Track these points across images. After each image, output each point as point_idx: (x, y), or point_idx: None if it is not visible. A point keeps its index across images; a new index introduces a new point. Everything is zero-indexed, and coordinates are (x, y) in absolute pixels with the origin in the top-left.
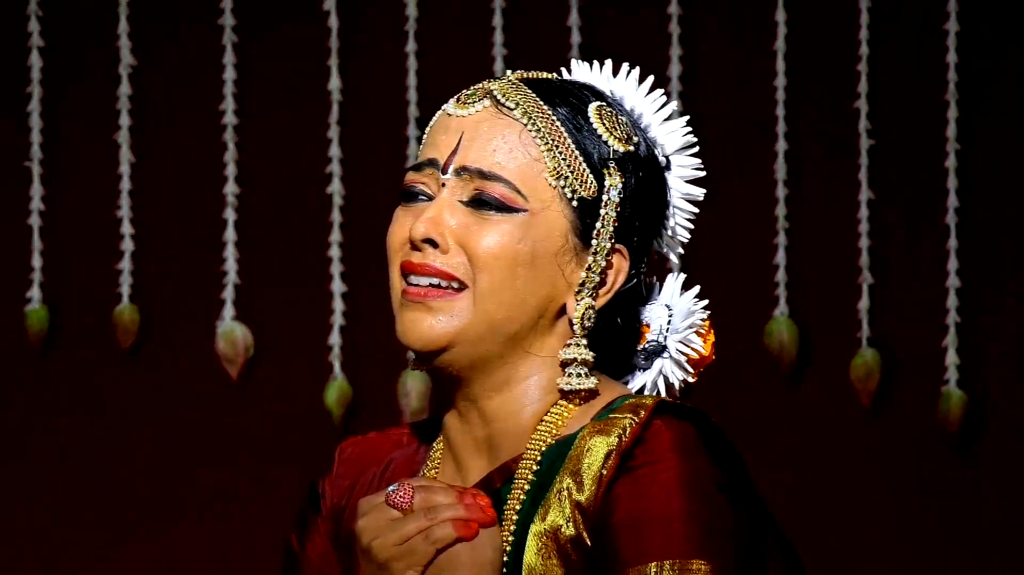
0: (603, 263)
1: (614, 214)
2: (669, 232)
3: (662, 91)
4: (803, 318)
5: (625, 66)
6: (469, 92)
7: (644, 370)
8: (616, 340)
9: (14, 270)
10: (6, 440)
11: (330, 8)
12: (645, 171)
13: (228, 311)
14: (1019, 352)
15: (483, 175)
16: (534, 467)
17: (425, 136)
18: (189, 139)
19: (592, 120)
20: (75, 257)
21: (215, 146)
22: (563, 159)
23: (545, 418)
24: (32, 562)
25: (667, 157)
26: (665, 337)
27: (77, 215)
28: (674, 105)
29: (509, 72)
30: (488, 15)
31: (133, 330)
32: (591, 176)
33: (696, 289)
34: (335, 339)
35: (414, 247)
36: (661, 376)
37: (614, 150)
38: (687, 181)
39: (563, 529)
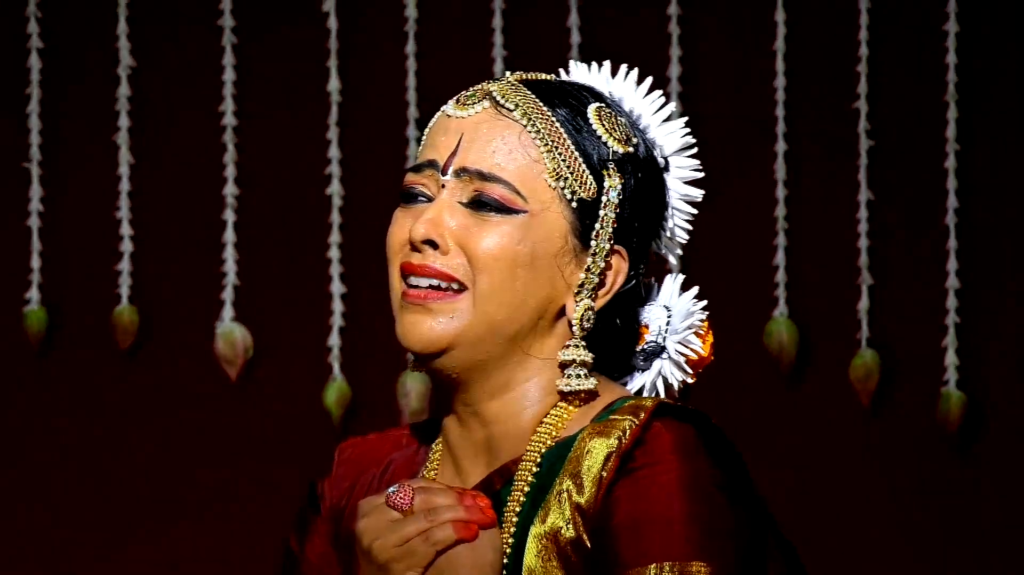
0: (602, 264)
1: (613, 215)
2: (668, 233)
3: (661, 92)
4: (803, 318)
5: (624, 67)
6: (468, 93)
7: (643, 371)
8: (615, 341)
9: (13, 271)
10: (5, 441)
11: (329, 9)
12: (644, 172)
13: (227, 312)
14: (1018, 352)
15: (483, 176)
16: (534, 469)
17: (424, 137)
18: (188, 140)
19: (591, 121)
20: (74, 258)
21: (214, 147)
22: (563, 160)
23: (545, 420)
24: (32, 562)
25: (666, 158)
26: (664, 338)
27: (76, 216)
28: (673, 106)
29: (508, 73)
30: (488, 16)
31: (132, 331)
32: (590, 177)
33: (695, 290)
34: (334, 340)
35: (414, 248)
36: (660, 377)
37: (613, 151)
38: (686, 182)
39: (563, 531)
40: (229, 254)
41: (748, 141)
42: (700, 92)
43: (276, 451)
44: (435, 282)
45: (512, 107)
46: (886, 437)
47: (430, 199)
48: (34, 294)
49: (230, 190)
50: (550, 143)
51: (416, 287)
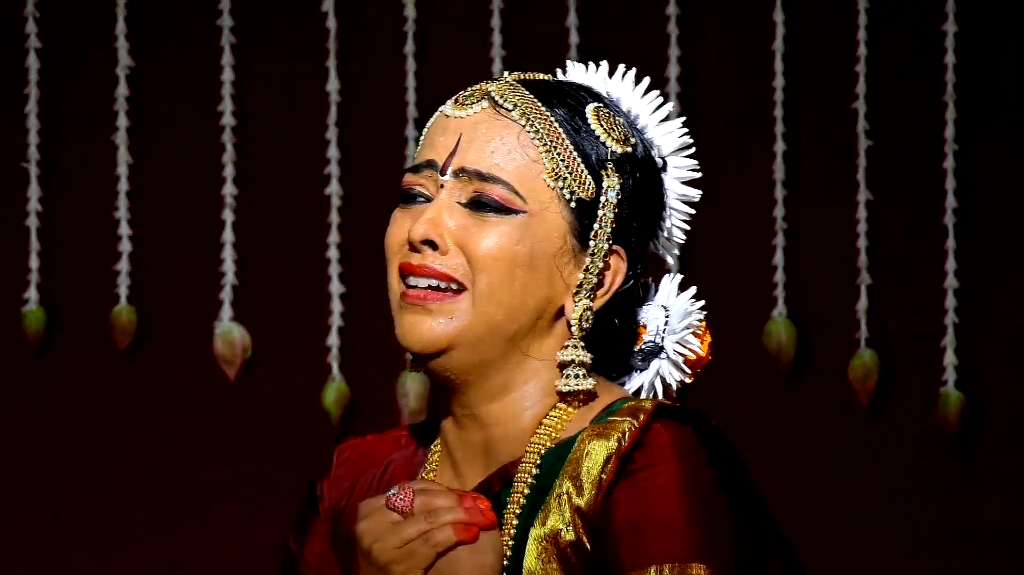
0: (601, 264)
1: (612, 215)
2: (665, 233)
3: (660, 92)
4: (802, 319)
5: (621, 67)
6: (467, 93)
7: (641, 371)
8: (613, 341)
9: (12, 271)
10: (4, 441)
11: (328, 9)
12: (642, 172)
13: (226, 312)
14: (1018, 352)
15: (482, 177)
16: (533, 471)
17: (423, 137)
18: (187, 140)
19: (590, 121)
20: (73, 258)
21: (213, 147)
22: (561, 160)
23: (544, 421)
24: (32, 562)
25: (663, 158)
26: (662, 338)
27: (75, 216)
28: (671, 106)
29: (506, 73)
30: (487, 16)
31: (131, 331)
32: (589, 177)
33: (692, 290)
34: (333, 340)
35: (413, 248)
36: (658, 377)
37: (612, 151)
38: (683, 182)
39: (563, 533)
40: (228, 254)
41: (747, 141)
42: (699, 92)
43: (275, 451)
44: (434, 282)
45: (511, 107)
46: (885, 437)
47: (429, 199)
48: (32, 294)
49: (229, 190)
50: (549, 143)
51: (415, 287)
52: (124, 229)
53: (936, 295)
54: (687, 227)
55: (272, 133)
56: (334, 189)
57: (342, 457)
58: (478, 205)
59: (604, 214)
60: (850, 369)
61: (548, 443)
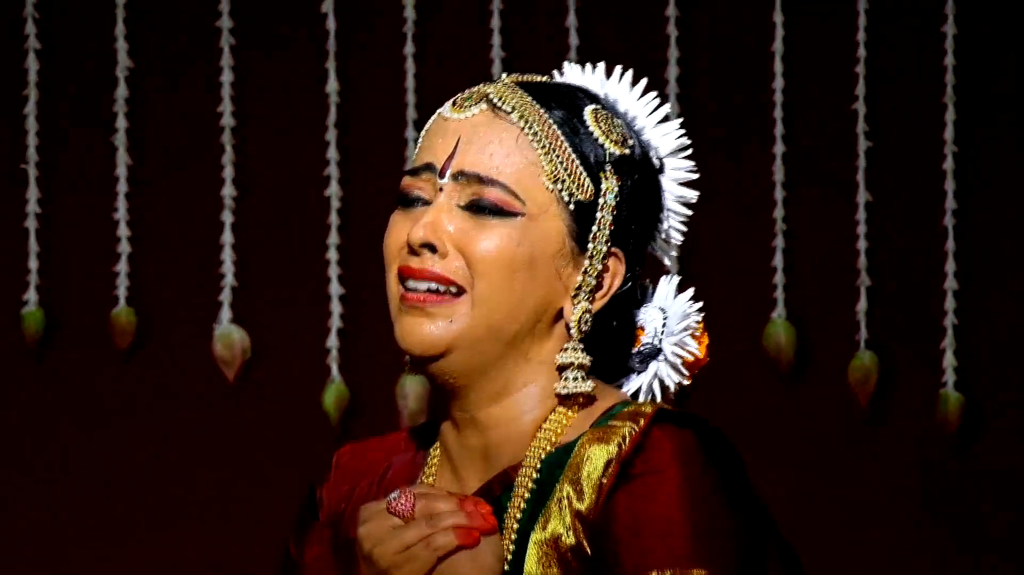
0: (599, 266)
1: (610, 217)
2: (663, 235)
3: (659, 93)
4: (801, 320)
5: (618, 68)
6: (465, 96)
7: (639, 373)
8: (611, 343)
9: (11, 272)
10: (4, 441)
11: (328, 10)
12: (641, 174)
13: (225, 313)
14: (1017, 353)
15: (480, 179)
16: (534, 475)
17: (421, 140)
18: (186, 141)
19: (588, 123)
20: (72, 259)
21: (213, 148)
22: (560, 162)
23: (544, 425)
24: (32, 562)
25: (661, 159)
26: (660, 340)
27: (74, 217)
28: (668, 107)
29: (504, 75)
30: (486, 17)
31: (130, 332)
32: (588, 179)
33: (690, 291)
34: (333, 341)
35: (412, 251)
36: (656, 379)
37: (610, 153)
38: (681, 184)
39: (563, 538)
40: (227, 255)
41: (747, 142)
42: (699, 93)
43: (274, 452)
44: (433, 285)
45: (509, 109)
46: (885, 438)
47: (427, 202)
48: (32, 295)
49: (228, 191)
50: (547, 145)
51: (414, 290)
52: (123, 230)
53: (936, 296)
54: (685, 228)
55: (271, 134)
56: (333, 190)
57: (341, 461)
58: (477, 208)
59: (603, 216)
60: (850, 370)
61: (548, 447)
